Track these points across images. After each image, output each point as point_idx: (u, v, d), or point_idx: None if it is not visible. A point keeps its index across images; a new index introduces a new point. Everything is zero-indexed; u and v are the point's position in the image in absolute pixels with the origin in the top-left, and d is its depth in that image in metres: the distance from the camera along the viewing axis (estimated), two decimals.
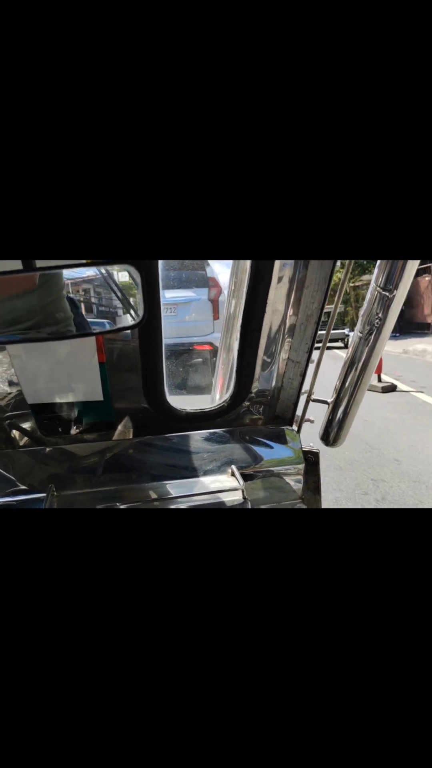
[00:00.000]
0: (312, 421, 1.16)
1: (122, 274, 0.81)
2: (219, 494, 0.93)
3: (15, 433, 1.07)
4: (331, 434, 1.10)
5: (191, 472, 1.00)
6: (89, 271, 0.80)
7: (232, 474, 0.98)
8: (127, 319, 0.85)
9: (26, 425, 1.07)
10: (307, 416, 1.13)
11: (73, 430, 1.07)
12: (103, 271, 0.79)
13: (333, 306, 1.05)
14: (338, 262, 0.89)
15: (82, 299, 0.87)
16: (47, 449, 1.07)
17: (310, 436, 1.15)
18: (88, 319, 0.90)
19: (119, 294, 0.78)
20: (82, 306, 0.86)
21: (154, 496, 0.96)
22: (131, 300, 0.78)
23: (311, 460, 1.07)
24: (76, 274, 0.84)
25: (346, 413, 1.05)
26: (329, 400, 1.06)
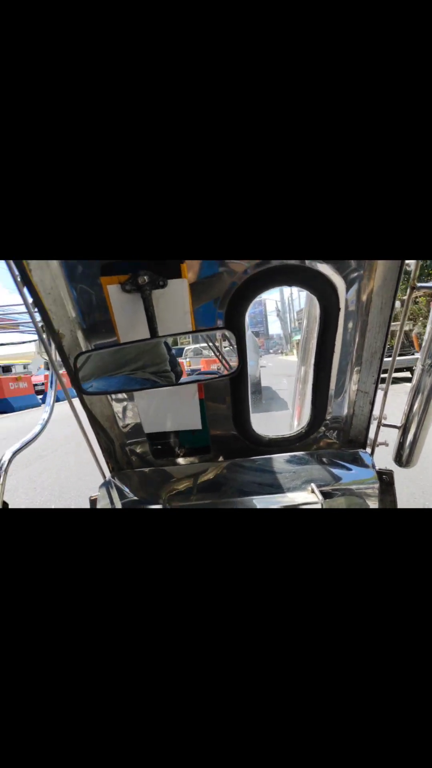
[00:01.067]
0: (386, 444, 1.27)
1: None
2: (301, 507, 1.08)
3: (133, 456, 1.34)
4: (404, 456, 1.20)
5: (276, 489, 1.17)
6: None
7: (312, 491, 1.13)
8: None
9: (141, 450, 1.34)
10: (381, 440, 1.25)
11: (177, 454, 1.32)
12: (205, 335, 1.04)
13: (396, 338, 1.18)
14: (397, 304, 1.04)
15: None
16: (156, 469, 1.32)
17: (389, 462, 1.25)
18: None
19: (215, 350, 1.02)
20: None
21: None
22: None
23: (386, 481, 1.18)
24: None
25: (416, 437, 1.15)
26: (399, 425, 1.17)
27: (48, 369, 1.17)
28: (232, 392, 1.16)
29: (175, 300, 0.94)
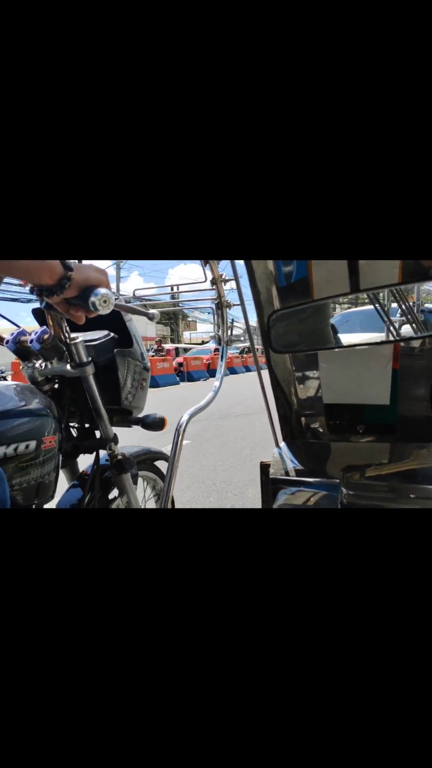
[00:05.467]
0: None
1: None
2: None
3: (307, 427, 1.31)
4: None
5: None
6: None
7: None
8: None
9: (315, 422, 1.29)
10: None
11: (357, 430, 1.22)
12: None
13: None
14: None
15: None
16: (327, 444, 1.25)
17: None
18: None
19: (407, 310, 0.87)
20: None
21: None
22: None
23: None
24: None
25: None
26: None
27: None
28: None
29: None
